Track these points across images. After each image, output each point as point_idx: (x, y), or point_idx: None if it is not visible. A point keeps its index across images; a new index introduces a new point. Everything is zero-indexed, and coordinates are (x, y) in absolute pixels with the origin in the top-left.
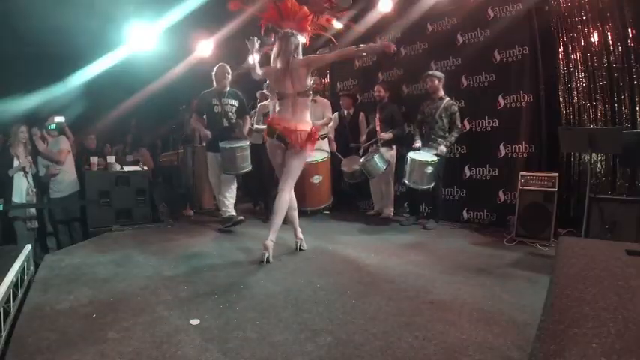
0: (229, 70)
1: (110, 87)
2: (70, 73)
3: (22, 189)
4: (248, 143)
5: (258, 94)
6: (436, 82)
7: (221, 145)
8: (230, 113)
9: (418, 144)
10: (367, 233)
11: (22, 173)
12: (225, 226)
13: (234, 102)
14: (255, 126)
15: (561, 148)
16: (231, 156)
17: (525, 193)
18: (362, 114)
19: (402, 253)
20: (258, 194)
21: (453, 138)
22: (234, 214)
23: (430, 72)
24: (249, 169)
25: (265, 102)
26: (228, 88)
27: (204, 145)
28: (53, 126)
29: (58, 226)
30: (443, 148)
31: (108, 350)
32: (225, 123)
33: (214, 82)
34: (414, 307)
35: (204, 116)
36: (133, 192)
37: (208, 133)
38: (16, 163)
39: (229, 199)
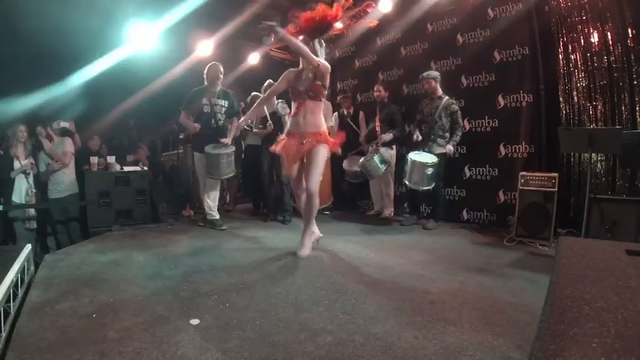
0: (222, 70)
1: (110, 87)
2: (70, 73)
3: (21, 189)
4: (233, 149)
5: (249, 98)
6: (432, 83)
7: (206, 149)
8: (219, 114)
9: (416, 136)
10: (367, 233)
11: (22, 174)
12: (206, 225)
13: (224, 102)
14: (255, 130)
15: (561, 148)
16: (215, 161)
17: (525, 193)
18: (361, 112)
19: (402, 253)
20: (258, 195)
21: (458, 137)
22: (217, 217)
23: (425, 74)
24: (232, 174)
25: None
26: (219, 88)
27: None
28: (55, 130)
29: (57, 226)
30: (450, 147)
31: (108, 350)
32: (213, 124)
33: (205, 81)
34: (414, 307)
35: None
36: (133, 192)
37: (197, 125)
38: (15, 163)
39: (213, 202)
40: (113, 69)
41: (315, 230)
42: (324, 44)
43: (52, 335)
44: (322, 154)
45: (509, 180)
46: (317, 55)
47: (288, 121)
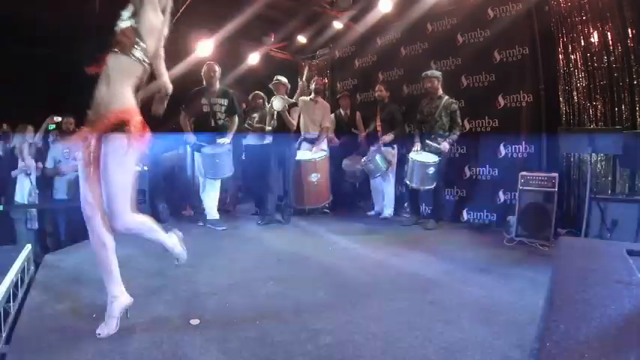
0: (216, 69)
1: None
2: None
3: (24, 189)
4: (230, 148)
5: (250, 96)
6: (435, 82)
7: (202, 150)
8: (219, 113)
9: (416, 147)
10: (367, 233)
11: (24, 174)
12: (206, 225)
13: (224, 101)
14: (268, 127)
15: (561, 148)
16: (211, 162)
17: (525, 193)
18: (358, 113)
19: (402, 253)
20: (260, 194)
21: (455, 136)
22: (217, 217)
23: (428, 73)
24: (229, 174)
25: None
26: (217, 87)
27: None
28: (52, 126)
29: (60, 226)
30: (446, 145)
31: (108, 350)
32: (212, 123)
33: (204, 82)
34: (414, 307)
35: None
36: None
37: (192, 137)
38: (20, 162)
39: (213, 202)
40: None
41: (117, 294)
42: None
43: (52, 335)
44: (118, 154)
45: (509, 180)
46: None
47: (291, 118)
